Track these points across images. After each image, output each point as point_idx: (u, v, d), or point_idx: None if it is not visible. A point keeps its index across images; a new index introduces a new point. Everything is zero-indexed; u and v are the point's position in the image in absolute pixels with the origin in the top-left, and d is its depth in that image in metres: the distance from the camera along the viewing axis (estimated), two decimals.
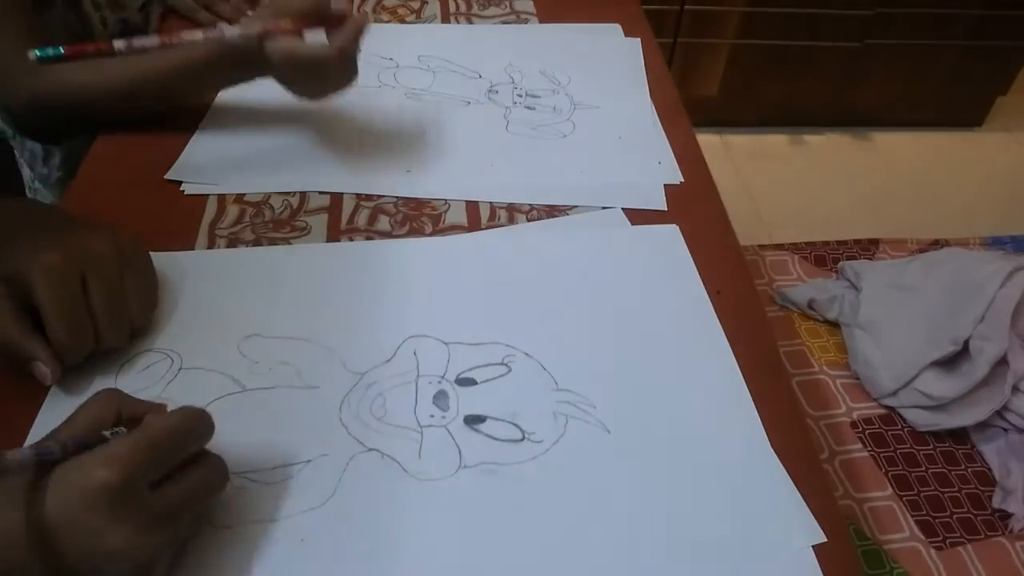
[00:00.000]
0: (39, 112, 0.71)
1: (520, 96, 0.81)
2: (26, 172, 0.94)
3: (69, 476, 0.35)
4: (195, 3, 0.88)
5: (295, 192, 0.67)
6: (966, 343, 0.92)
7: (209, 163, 0.69)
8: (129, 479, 0.35)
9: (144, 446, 0.36)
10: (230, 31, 0.63)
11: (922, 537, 0.81)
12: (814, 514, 0.45)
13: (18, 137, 0.86)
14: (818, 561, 0.43)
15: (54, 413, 0.48)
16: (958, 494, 0.85)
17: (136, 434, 0.37)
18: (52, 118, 0.71)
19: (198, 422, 0.40)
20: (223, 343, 0.53)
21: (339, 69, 0.65)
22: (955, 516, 0.83)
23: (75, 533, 0.34)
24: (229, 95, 0.75)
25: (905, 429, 0.91)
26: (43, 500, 0.34)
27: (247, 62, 0.66)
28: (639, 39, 0.90)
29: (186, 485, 0.39)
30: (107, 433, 0.38)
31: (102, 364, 0.51)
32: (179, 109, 0.73)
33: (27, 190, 0.96)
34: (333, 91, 0.68)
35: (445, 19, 0.94)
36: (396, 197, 0.67)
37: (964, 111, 2.12)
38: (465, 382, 0.52)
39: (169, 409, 0.41)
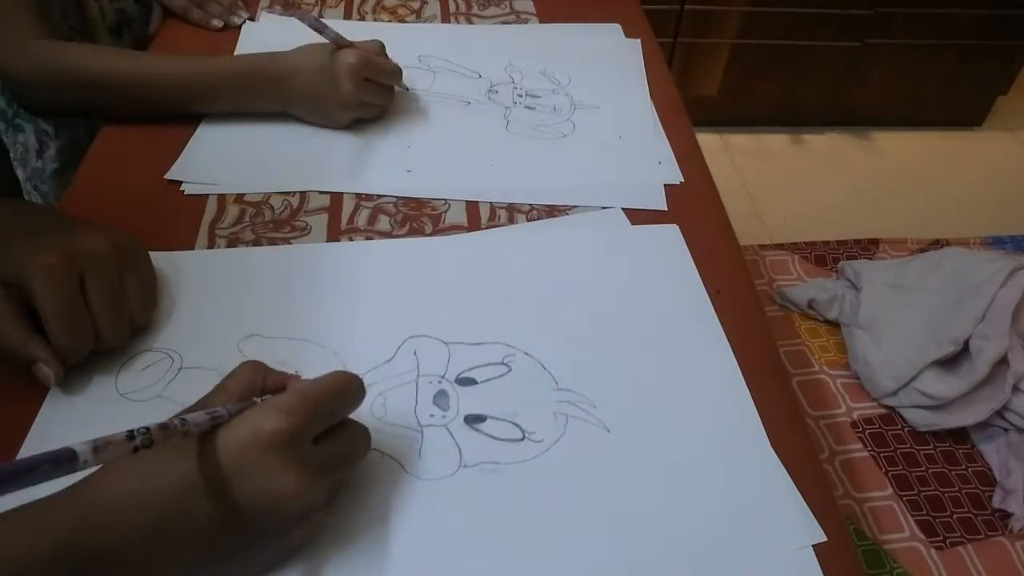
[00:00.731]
0: (41, 89, 0.72)
1: (520, 96, 0.81)
2: (20, 173, 0.94)
3: (241, 426, 0.37)
4: (188, 2, 0.89)
5: (295, 192, 0.67)
6: (966, 343, 0.92)
7: (209, 163, 0.69)
8: (298, 428, 0.37)
9: (311, 400, 0.38)
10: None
11: (922, 537, 0.81)
12: (814, 514, 0.45)
13: (10, 131, 0.86)
14: (818, 561, 0.43)
15: (54, 413, 0.48)
16: (958, 494, 0.85)
17: (302, 390, 0.39)
18: (53, 96, 0.72)
19: (355, 385, 0.42)
20: (223, 343, 0.53)
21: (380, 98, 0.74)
22: (955, 516, 0.83)
23: (249, 476, 0.36)
24: None
25: (905, 429, 0.91)
26: (216, 449, 0.36)
27: (266, 91, 0.71)
28: (639, 40, 0.90)
29: (341, 443, 0.41)
30: (258, 400, 0.40)
31: (102, 364, 0.51)
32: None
33: (24, 194, 0.96)
34: (353, 115, 0.72)
35: (445, 19, 0.94)
36: (396, 197, 0.67)
37: (964, 110, 2.12)
38: (465, 382, 0.52)
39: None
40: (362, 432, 0.43)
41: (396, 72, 0.74)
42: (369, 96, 0.72)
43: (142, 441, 0.32)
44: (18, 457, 0.46)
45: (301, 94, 0.71)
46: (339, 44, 0.70)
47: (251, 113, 0.73)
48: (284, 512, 0.37)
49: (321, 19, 0.70)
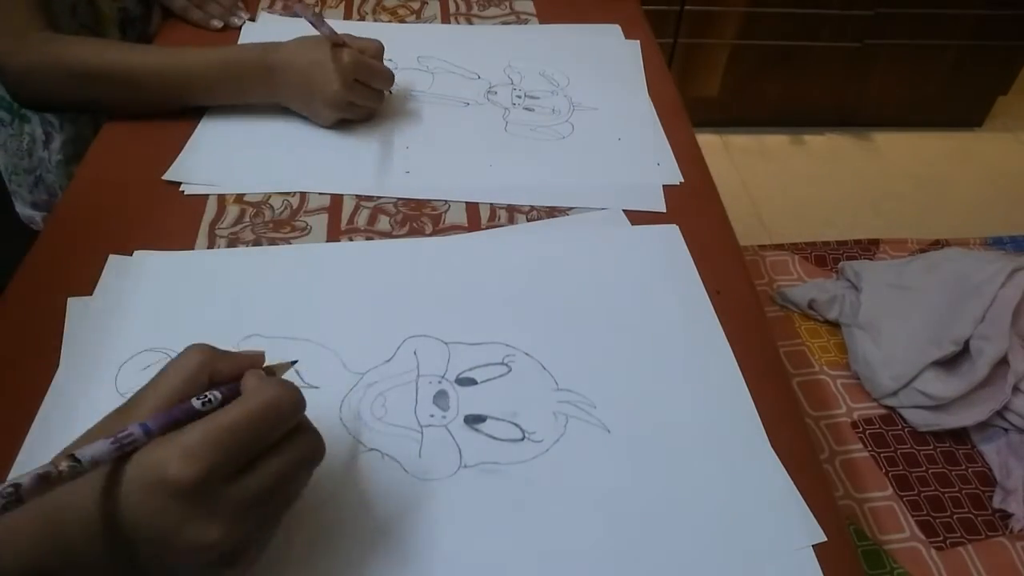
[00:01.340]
0: (37, 80, 0.72)
1: (519, 97, 0.81)
2: (25, 163, 0.95)
3: (144, 471, 0.33)
4: (188, 2, 0.89)
5: (295, 192, 0.67)
6: (966, 343, 0.92)
7: (207, 163, 0.69)
8: (202, 476, 0.32)
9: (223, 438, 0.33)
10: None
11: (922, 537, 0.81)
12: (814, 514, 0.45)
13: (16, 121, 0.86)
14: (818, 561, 0.43)
15: (54, 413, 0.48)
16: (958, 494, 0.85)
17: (213, 424, 0.33)
18: (48, 87, 0.72)
19: (284, 403, 0.36)
20: (223, 343, 0.53)
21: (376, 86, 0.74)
22: (955, 516, 0.83)
23: (148, 532, 0.33)
24: None
25: (905, 429, 0.91)
26: (121, 485, 0.33)
27: (258, 81, 0.71)
28: (638, 41, 0.90)
29: (271, 469, 0.35)
30: (197, 403, 0.35)
31: (102, 364, 0.51)
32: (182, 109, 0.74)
33: (25, 186, 0.96)
34: (339, 115, 0.72)
35: (445, 19, 0.94)
36: (396, 198, 0.67)
37: (965, 111, 2.12)
38: (465, 382, 0.52)
39: (264, 358, 0.39)
40: (307, 440, 0.37)
41: (388, 77, 0.74)
42: (358, 98, 0.72)
43: (5, 504, 0.28)
44: (18, 457, 0.46)
45: (293, 87, 0.71)
46: (335, 42, 0.70)
47: (249, 109, 0.73)
48: (196, 561, 0.34)
49: (321, 15, 0.70)
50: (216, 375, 0.37)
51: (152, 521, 0.33)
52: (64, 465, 0.31)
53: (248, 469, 0.34)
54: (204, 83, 0.72)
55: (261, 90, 0.72)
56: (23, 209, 0.95)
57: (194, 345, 0.38)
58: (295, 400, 0.36)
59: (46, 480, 0.30)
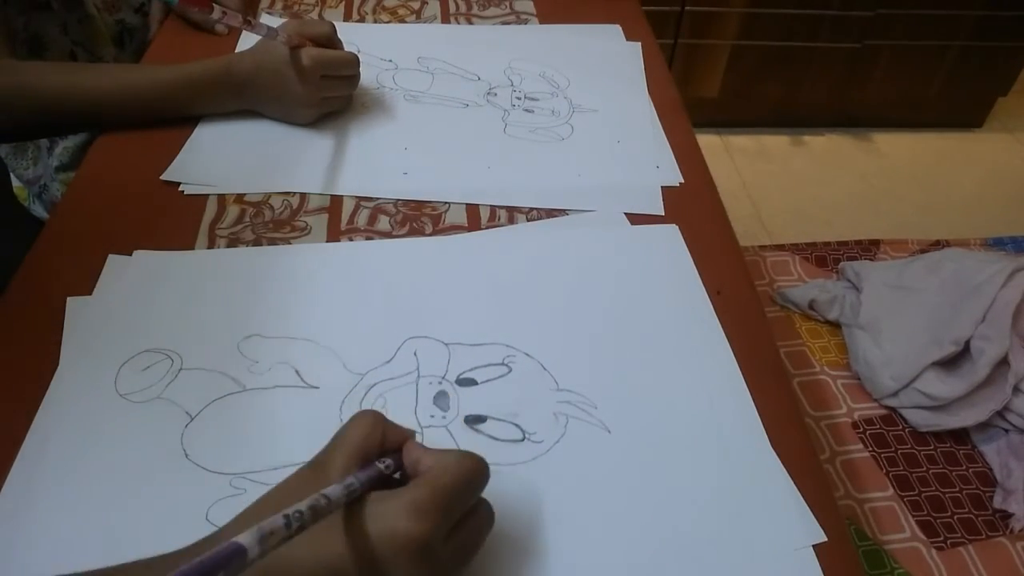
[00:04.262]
0: (4, 111, 0.70)
1: (519, 99, 0.81)
2: (31, 172, 0.95)
3: (377, 522, 0.36)
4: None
5: (295, 192, 0.67)
6: (967, 343, 0.92)
7: (206, 163, 0.69)
8: (432, 533, 0.35)
9: (445, 499, 0.37)
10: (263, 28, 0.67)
11: (923, 537, 0.81)
12: (814, 514, 0.45)
13: None
14: (818, 561, 0.43)
15: (53, 414, 0.48)
16: (959, 494, 0.85)
17: (434, 484, 0.37)
18: (16, 118, 0.71)
19: (482, 470, 0.40)
20: (223, 343, 0.53)
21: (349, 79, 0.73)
22: (956, 516, 0.83)
23: (393, 571, 0.35)
24: None
25: (906, 429, 0.91)
26: (355, 538, 0.35)
27: (228, 95, 0.71)
28: (639, 43, 0.90)
29: (470, 532, 0.39)
30: (381, 466, 0.38)
31: (102, 364, 0.51)
32: None
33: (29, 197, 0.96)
34: (317, 112, 0.72)
35: (445, 19, 0.94)
36: (395, 199, 0.67)
37: (964, 112, 2.12)
38: (465, 382, 0.52)
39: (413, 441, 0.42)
40: (487, 514, 0.41)
41: (351, 62, 0.73)
42: (330, 91, 0.72)
43: (298, 526, 0.31)
44: (18, 457, 0.46)
45: (263, 96, 0.71)
46: (292, 45, 0.69)
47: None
48: None
49: (267, 27, 0.68)
50: (386, 440, 0.40)
51: (389, 569, 0.35)
52: (322, 499, 0.33)
53: (455, 529, 0.38)
54: (174, 103, 0.72)
55: (232, 101, 0.73)
56: (41, 213, 0.95)
57: (365, 411, 0.41)
58: (486, 469, 0.40)
59: (314, 511, 0.32)
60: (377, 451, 0.39)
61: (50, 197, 0.94)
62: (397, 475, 0.39)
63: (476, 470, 0.39)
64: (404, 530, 0.35)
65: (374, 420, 0.40)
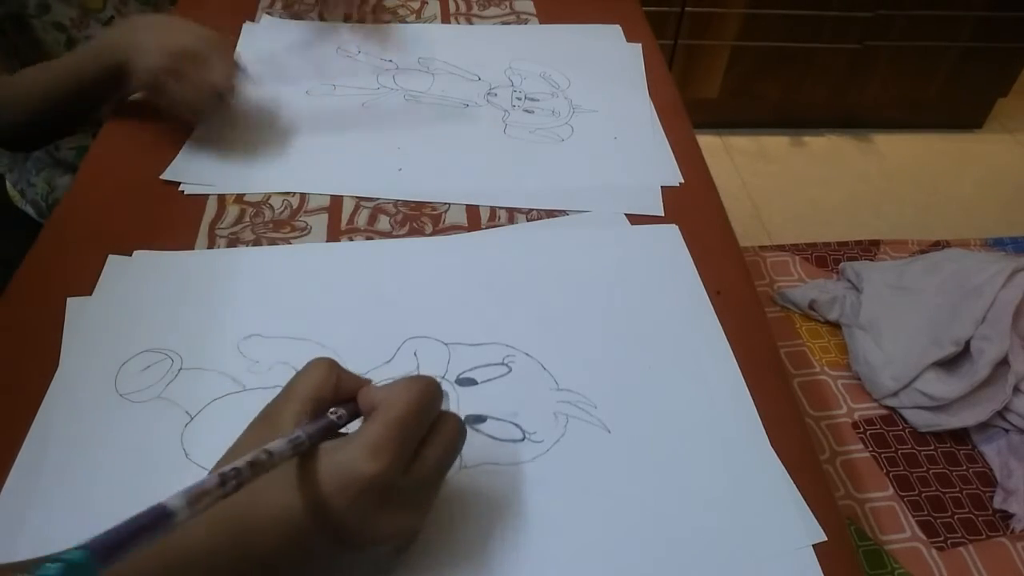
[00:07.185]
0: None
1: (519, 99, 0.81)
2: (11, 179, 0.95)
3: (331, 467, 0.35)
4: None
5: (295, 192, 0.67)
6: (967, 344, 0.92)
7: (205, 163, 0.69)
8: (390, 469, 0.35)
9: (398, 433, 0.35)
10: None
11: (923, 537, 0.81)
12: (814, 514, 0.45)
13: None
14: (818, 561, 0.43)
15: (53, 413, 0.48)
16: (959, 494, 0.85)
17: (386, 419, 0.36)
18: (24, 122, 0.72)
19: (431, 391, 0.38)
20: (223, 343, 0.53)
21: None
22: (956, 516, 0.83)
23: (348, 520, 0.35)
24: None
25: (906, 429, 0.91)
26: (310, 485, 0.35)
27: (122, 77, 0.68)
28: (640, 44, 0.90)
29: (432, 457, 0.38)
30: (333, 416, 0.37)
31: (102, 364, 0.51)
32: None
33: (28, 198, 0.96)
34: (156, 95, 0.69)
35: (445, 19, 0.94)
36: (395, 199, 0.67)
37: (964, 113, 2.12)
38: (465, 382, 0.52)
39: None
40: (453, 426, 0.39)
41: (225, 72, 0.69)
42: (172, 82, 0.67)
43: (235, 484, 0.30)
44: (18, 457, 0.46)
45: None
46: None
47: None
48: (380, 551, 0.37)
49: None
50: (339, 388, 0.39)
51: (350, 513, 0.34)
52: (263, 454, 0.32)
53: (414, 459, 0.37)
54: (69, 98, 0.71)
55: (129, 92, 0.71)
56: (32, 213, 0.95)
57: (318, 359, 0.39)
58: (438, 387, 0.39)
59: (255, 467, 0.31)
60: (331, 401, 0.38)
61: (32, 196, 0.94)
62: (349, 426, 0.38)
63: (424, 392, 0.37)
64: (358, 473, 0.34)
65: (328, 368, 0.39)
